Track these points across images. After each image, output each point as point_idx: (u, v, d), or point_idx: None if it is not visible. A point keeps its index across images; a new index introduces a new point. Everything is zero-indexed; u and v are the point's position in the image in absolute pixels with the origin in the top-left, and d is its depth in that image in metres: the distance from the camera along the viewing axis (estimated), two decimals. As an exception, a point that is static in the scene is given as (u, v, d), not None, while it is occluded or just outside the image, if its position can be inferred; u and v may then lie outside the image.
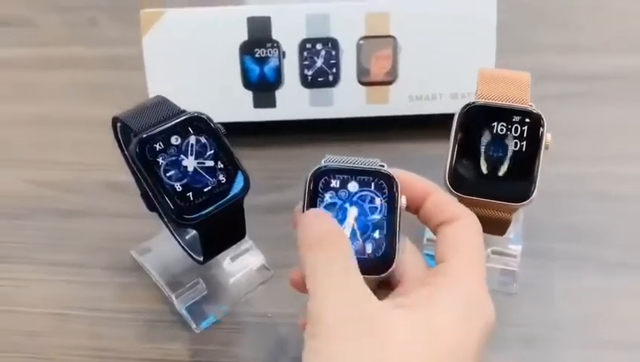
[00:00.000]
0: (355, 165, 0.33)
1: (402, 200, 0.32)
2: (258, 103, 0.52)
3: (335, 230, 0.30)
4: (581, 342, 0.41)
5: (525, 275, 0.43)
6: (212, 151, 0.36)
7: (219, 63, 0.51)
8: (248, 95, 0.52)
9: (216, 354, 0.41)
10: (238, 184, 0.36)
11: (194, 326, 0.42)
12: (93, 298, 0.44)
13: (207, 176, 0.35)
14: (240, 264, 0.44)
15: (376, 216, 0.32)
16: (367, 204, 0.32)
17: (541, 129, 0.35)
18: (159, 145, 0.35)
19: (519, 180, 0.35)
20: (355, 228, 0.32)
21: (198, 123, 0.36)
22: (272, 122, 0.53)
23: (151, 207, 0.41)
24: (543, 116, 0.35)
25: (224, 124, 0.51)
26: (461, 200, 0.35)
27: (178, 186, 0.34)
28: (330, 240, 0.30)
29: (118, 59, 0.63)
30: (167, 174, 0.34)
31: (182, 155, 0.35)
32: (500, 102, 0.36)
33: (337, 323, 0.27)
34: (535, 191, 0.35)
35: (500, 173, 0.35)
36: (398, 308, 0.28)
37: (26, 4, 0.70)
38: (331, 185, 0.33)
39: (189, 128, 0.35)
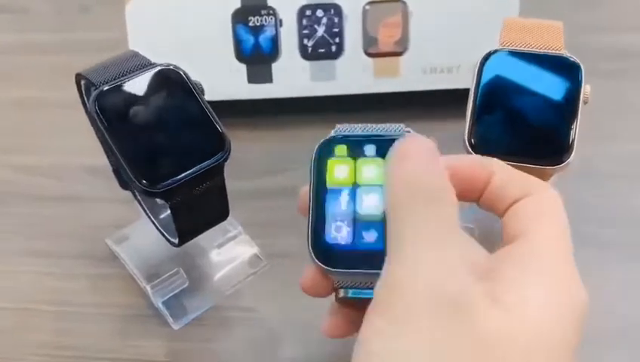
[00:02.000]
0: (372, 132, 0.28)
1: None
2: (253, 78, 0.47)
3: (446, 185, 0.23)
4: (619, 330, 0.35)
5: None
6: (186, 109, 0.30)
7: (208, 34, 0.47)
8: (242, 69, 0.47)
9: (195, 353, 0.37)
10: (217, 148, 0.30)
11: (171, 321, 0.37)
12: (62, 290, 0.41)
13: (179, 138, 0.30)
14: (229, 254, 0.40)
15: None
16: None
17: (579, 79, 0.29)
18: (123, 100, 0.29)
19: (553, 140, 0.29)
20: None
21: (171, 76, 0.31)
22: (268, 99, 0.48)
23: (124, 185, 0.36)
24: (581, 65, 0.30)
25: (216, 102, 0.47)
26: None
27: (144, 148, 0.29)
28: (437, 196, 0.23)
29: (108, 45, 0.59)
30: (132, 135, 0.29)
31: (150, 113, 0.29)
32: (529, 49, 0.30)
33: (427, 305, 0.21)
34: (573, 153, 0.29)
35: (531, 133, 0.29)
36: (494, 303, 0.21)
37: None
38: None
39: (160, 82, 0.30)
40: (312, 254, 0.26)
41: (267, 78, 0.47)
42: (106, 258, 0.41)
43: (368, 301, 0.22)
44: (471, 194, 0.26)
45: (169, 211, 0.33)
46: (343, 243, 0.26)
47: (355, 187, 0.27)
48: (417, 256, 0.21)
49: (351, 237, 0.26)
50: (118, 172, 0.35)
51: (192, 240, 0.34)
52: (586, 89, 0.29)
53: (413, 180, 0.23)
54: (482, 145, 0.29)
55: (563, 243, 0.24)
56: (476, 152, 0.29)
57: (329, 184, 0.27)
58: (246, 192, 0.45)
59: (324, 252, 0.26)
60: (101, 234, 0.42)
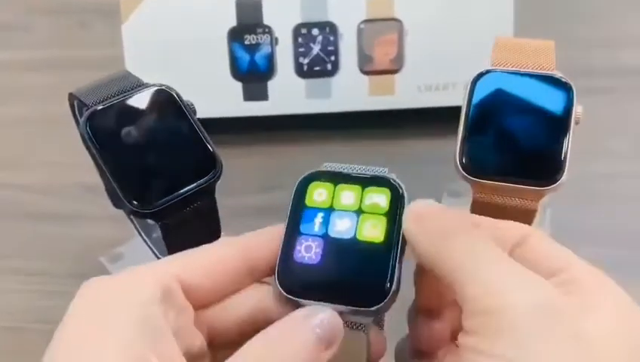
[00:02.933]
0: (357, 172, 0.28)
1: None
2: (248, 96, 0.47)
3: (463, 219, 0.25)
4: None
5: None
6: (177, 130, 0.30)
7: (205, 52, 0.47)
8: (237, 86, 0.47)
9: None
10: (208, 168, 0.30)
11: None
12: (55, 309, 0.39)
13: (170, 159, 0.29)
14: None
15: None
16: None
17: (571, 99, 0.29)
18: (114, 121, 0.29)
19: (547, 161, 0.29)
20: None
21: (162, 97, 0.30)
22: (263, 117, 0.48)
23: (117, 203, 0.36)
24: (572, 85, 0.29)
25: (211, 120, 0.47)
26: (476, 186, 0.29)
27: (135, 169, 0.29)
28: (468, 228, 0.25)
29: (107, 61, 0.60)
30: (123, 155, 0.29)
31: (141, 134, 0.29)
32: (520, 69, 0.30)
33: (530, 317, 0.21)
34: (565, 173, 0.28)
35: (523, 153, 0.29)
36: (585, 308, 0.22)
37: (15, 8, 0.68)
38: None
39: (152, 103, 0.30)
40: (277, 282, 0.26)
41: (263, 95, 0.47)
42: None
43: None
44: None
45: (161, 231, 0.33)
46: (309, 262, 0.26)
47: (330, 210, 0.27)
48: (489, 276, 0.22)
49: (318, 257, 0.26)
50: (110, 191, 0.35)
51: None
52: (577, 109, 0.29)
53: (446, 224, 0.25)
54: (473, 165, 0.29)
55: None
56: (467, 172, 0.29)
57: (307, 204, 0.27)
58: (241, 210, 0.45)
59: (289, 278, 0.26)
60: (95, 252, 0.42)
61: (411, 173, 0.48)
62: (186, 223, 0.30)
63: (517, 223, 0.26)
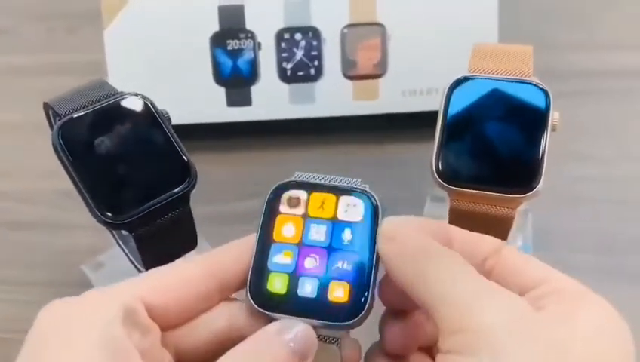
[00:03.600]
0: (329, 182, 0.27)
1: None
2: (232, 101, 0.47)
3: (435, 242, 0.25)
4: None
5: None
6: (151, 139, 0.30)
7: (187, 57, 0.46)
8: (220, 92, 0.47)
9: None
10: (182, 177, 0.30)
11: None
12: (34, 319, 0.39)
13: (143, 168, 0.29)
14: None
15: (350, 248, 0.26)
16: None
17: (547, 106, 0.29)
18: (86, 131, 0.29)
19: (522, 168, 0.29)
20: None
21: (136, 106, 0.30)
22: (247, 122, 0.47)
23: (91, 213, 0.35)
24: (549, 91, 0.29)
25: (194, 126, 0.47)
26: (453, 193, 0.29)
27: (107, 180, 0.29)
28: (439, 249, 0.24)
29: (94, 67, 0.59)
30: (95, 166, 0.29)
31: (114, 144, 0.29)
32: (497, 76, 0.30)
33: (506, 334, 0.21)
34: (542, 180, 0.28)
35: (500, 161, 0.29)
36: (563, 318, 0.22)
37: (2, 13, 0.67)
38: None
39: (125, 112, 0.30)
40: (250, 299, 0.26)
41: (246, 100, 0.47)
42: (80, 285, 0.40)
43: None
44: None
45: (138, 240, 0.33)
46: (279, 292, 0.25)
47: (300, 246, 0.26)
48: (463, 296, 0.22)
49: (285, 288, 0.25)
50: (84, 201, 0.35)
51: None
52: (554, 116, 0.29)
53: (413, 249, 0.24)
54: (449, 173, 0.29)
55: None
56: (443, 180, 0.29)
57: (275, 238, 0.26)
58: (225, 216, 0.45)
59: (262, 297, 0.25)
60: (75, 260, 0.41)
61: (395, 178, 0.49)
62: (161, 233, 0.30)
63: (489, 237, 0.26)
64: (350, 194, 0.27)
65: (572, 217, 0.42)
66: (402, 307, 0.27)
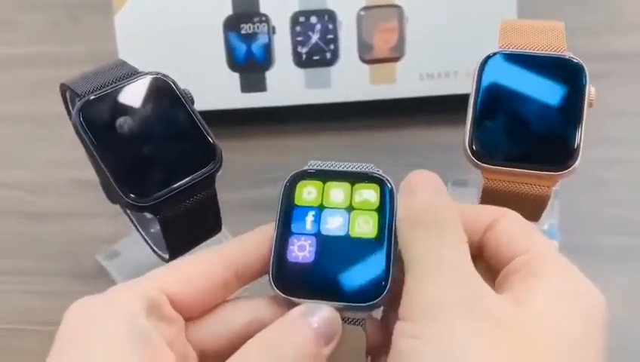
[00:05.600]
0: (343, 169, 0.27)
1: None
2: (246, 87, 0.46)
3: (450, 216, 0.24)
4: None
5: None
6: (175, 120, 0.29)
7: (200, 42, 0.45)
8: (235, 78, 0.46)
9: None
10: (208, 159, 0.29)
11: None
12: (50, 309, 0.39)
13: (168, 150, 0.28)
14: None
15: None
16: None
17: (583, 81, 0.28)
18: (108, 111, 0.28)
19: (558, 145, 0.28)
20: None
21: (159, 85, 0.29)
22: (262, 108, 0.46)
23: (112, 198, 0.34)
24: (584, 66, 0.28)
25: (209, 112, 0.46)
26: (486, 172, 0.28)
27: (131, 161, 0.28)
28: (444, 219, 0.24)
29: (99, 56, 0.58)
30: (119, 147, 0.28)
31: (137, 124, 0.28)
32: (530, 51, 0.29)
33: (454, 306, 0.22)
34: (579, 157, 0.27)
35: (535, 138, 0.28)
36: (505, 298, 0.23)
37: (4, 3, 0.66)
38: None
39: (147, 92, 0.29)
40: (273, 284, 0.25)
41: (261, 86, 0.46)
42: (95, 275, 0.40)
43: None
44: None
45: (159, 225, 0.32)
46: (304, 261, 0.26)
47: (320, 209, 0.26)
48: (425, 269, 0.23)
49: (313, 255, 0.26)
50: (105, 185, 0.34)
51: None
52: (591, 91, 0.28)
53: (419, 213, 0.24)
54: (484, 151, 0.28)
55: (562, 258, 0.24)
56: (478, 159, 0.28)
57: (297, 203, 0.27)
58: (241, 203, 0.44)
59: (285, 277, 0.25)
60: (90, 250, 0.41)
61: (414, 163, 0.47)
62: (186, 216, 0.29)
63: (489, 207, 0.26)
64: (365, 181, 0.27)
65: (597, 200, 0.41)
66: None
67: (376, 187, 0.26)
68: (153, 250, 0.33)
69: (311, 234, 0.26)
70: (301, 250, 0.26)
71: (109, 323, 0.22)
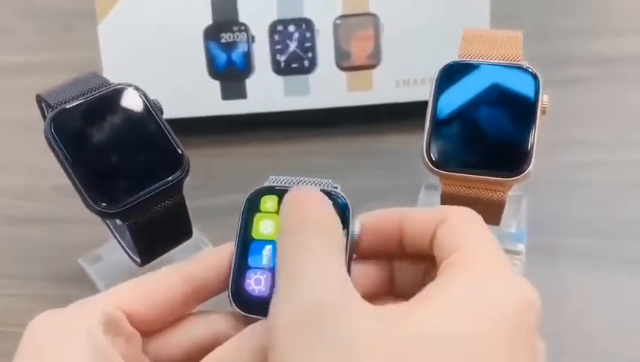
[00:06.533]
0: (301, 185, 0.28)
1: (356, 227, 0.26)
2: (226, 94, 0.47)
3: (332, 216, 0.24)
4: (598, 349, 0.34)
5: (533, 275, 0.37)
6: (143, 130, 0.30)
7: (181, 51, 0.46)
8: (215, 85, 0.47)
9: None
10: (174, 166, 0.30)
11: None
12: (32, 313, 0.39)
13: (136, 158, 0.29)
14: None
15: None
16: None
17: (537, 89, 0.29)
18: (79, 121, 0.29)
19: (513, 151, 0.29)
20: None
21: (128, 96, 0.30)
22: (242, 115, 0.47)
23: (85, 204, 0.35)
24: (538, 75, 0.29)
25: (189, 119, 0.47)
26: (443, 178, 0.29)
27: (101, 170, 0.29)
28: (317, 226, 0.24)
29: (90, 63, 0.60)
30: (88, 156, 0.29)
31: (106, 134, 0.29)
32: (487, 61, 0.30)
33: (288, 327, 0.21)
34: (532, 163, 0.28)
35: (489, 144, 0.29)
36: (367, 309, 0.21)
37: (-2, 12, 0.68)
38: None
39: (117, 102, 0.30)
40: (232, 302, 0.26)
41: (241, 93, 0.47)
42: (77, 279, 0.40)
43: None
44: (391, 245, 0.26)
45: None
46: (260, 294, 0.26)
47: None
48: (289, 277, 0.22)
49: (269, 289, 0.26)
50: (78, 192, 0.35)
51: (165, 259, 0.33)
52: (544, 99, 0.29)
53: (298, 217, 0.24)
54: (439, 158, 0.29)
55: (486, 259, 0.23)
56: (433, 165, 0.29)
57: (254, 236, 0.27)
58: (222, 209, 0.44)
59: (244, 299, 0.26)
60: (72, 254, 0.41)
61: (390, 167, 0.49)
62: (155, 222, 0.30)
63: (436, 209, 0.25)
64: None
65: (567, 203, 0.42)
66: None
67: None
68: (128, 255, 0.34)
69: (267, 269, 0.27)
70: (257, 284, 0.27)
71: (67, 339, 0.23)
